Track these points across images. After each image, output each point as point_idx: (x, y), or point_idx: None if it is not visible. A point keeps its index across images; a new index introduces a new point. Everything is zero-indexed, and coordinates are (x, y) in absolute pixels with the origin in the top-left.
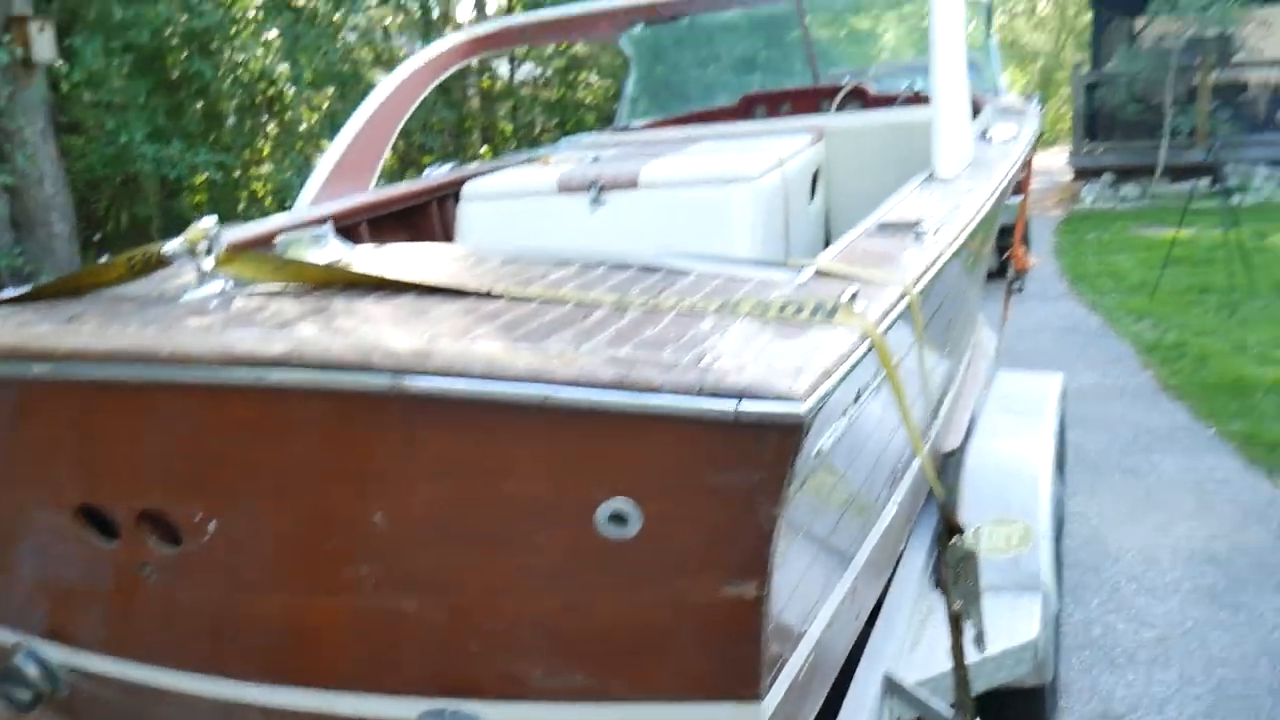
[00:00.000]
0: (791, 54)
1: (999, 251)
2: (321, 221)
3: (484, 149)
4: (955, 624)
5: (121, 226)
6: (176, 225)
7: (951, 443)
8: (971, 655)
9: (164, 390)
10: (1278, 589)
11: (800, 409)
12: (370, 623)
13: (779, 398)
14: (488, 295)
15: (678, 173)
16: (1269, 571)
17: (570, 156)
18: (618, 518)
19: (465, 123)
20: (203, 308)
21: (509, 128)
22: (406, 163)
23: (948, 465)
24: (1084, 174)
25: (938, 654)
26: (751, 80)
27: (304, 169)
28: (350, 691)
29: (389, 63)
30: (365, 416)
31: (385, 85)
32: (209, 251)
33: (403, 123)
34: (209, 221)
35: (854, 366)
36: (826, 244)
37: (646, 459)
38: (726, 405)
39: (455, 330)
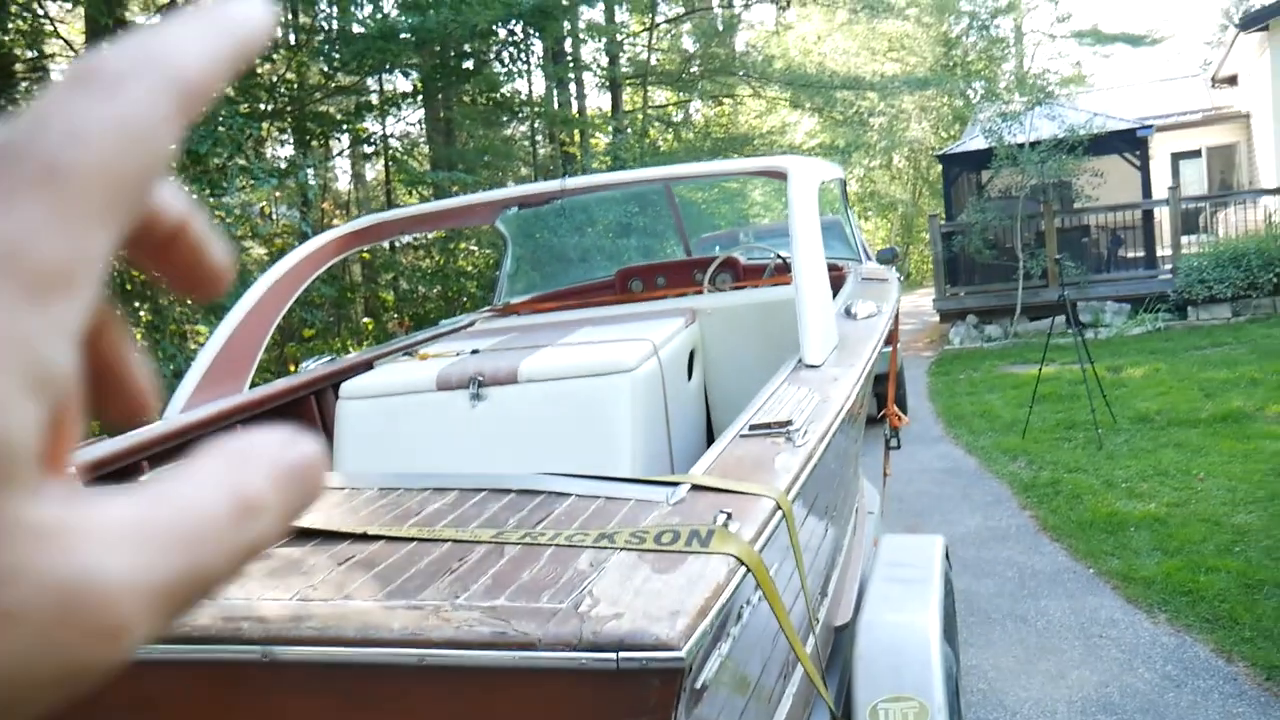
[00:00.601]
0: (664, 216)
1: (875, 399)
2: (196, 430)
3: (366, 320)
4: None
5: None
6: None
7: (842, 616)
8: None
9: None
10: None
11: (680, 654)
12: None
13: (657, 647)
14: (364, 537)
15: (556, 366)
16: (1159, 714)
17: (448, 349)
18: None
19: (347, 294)
20: None
21: (390, 298)
22: (286, 335)
23: (840, 641)
24: (949, 316)
25: None
26: (628, 243)
27: (176, 357)
28: None
29: (266, 237)
30: (233, 687)
31: (261, 283)
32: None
33: (277, 321)
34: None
35: (732, 594)
36: (708, 417)
37: (530, 714)
38: (607, 658)
39: (329, 585)
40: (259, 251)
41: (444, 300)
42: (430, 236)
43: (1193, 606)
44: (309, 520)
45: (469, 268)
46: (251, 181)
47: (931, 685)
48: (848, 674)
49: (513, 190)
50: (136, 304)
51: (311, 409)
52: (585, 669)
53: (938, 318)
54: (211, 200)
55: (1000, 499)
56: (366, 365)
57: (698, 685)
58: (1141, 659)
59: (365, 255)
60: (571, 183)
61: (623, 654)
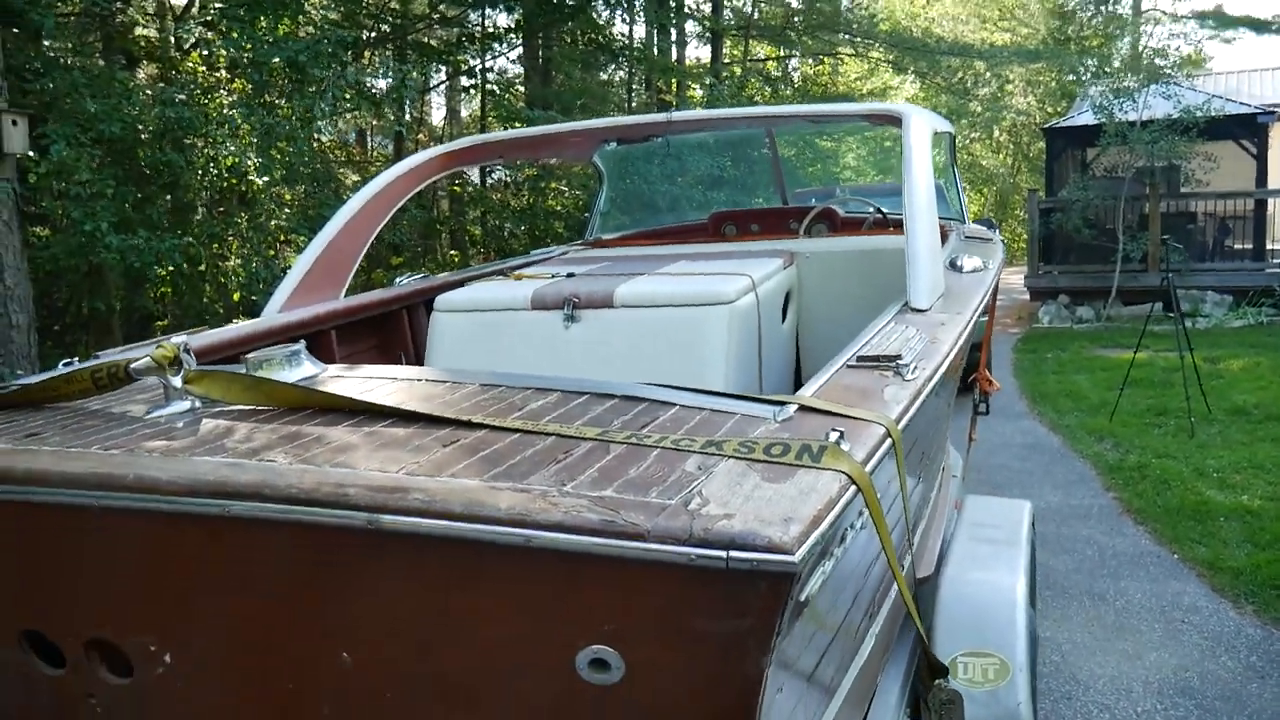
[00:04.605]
0: (757, 171)
1: (964, 370)
2: (292, 331)
3: (452, 252)
4: None
5: (82, 317)
6: (138, 317)
7: (924, 570)
8: None
9: (125, 516)
10: None
11: (793, 560)
12: None
13: (770, 549)
14: (467, 425)
15: (652, 293)
16: (1240, 703)
17: (542, 272)
18: (599, 664)
19: (435, 225)
20: (169, 429)
21: (478, 232)
22: (375, 262)
23: (920, 594)
24: (1039, 294)
25: None
26: (718, 196)
27: (271, 264)
28: None
29: (360, 164)
30: (336, 553)
31: (362, 195)
32: (178, 369)
33: (376, 233)
34: (179, 338)
35: (842, 511)
36: (797, 365)
37: (630, 605)
38: (716, 555)
39: (434, 464)
40: (354, 179)
41: (530, 238)
42: (521, 175)
43: None
44: (410, 404)
45: (558, 207)
46: (348, 100)
47: (1015, 644)
48: (927, 626)
49: (616, 120)
50: (233, 210)
51: (403, 323)
52: (692, 565)
53: (1027, 295)
54: (309, 116)
55: (1083, 478)
56: (459, 284)
57: (801, 598)
58: (1225, 647)
59: (455, 188)
60: (679, 116)
61: (733, 553)
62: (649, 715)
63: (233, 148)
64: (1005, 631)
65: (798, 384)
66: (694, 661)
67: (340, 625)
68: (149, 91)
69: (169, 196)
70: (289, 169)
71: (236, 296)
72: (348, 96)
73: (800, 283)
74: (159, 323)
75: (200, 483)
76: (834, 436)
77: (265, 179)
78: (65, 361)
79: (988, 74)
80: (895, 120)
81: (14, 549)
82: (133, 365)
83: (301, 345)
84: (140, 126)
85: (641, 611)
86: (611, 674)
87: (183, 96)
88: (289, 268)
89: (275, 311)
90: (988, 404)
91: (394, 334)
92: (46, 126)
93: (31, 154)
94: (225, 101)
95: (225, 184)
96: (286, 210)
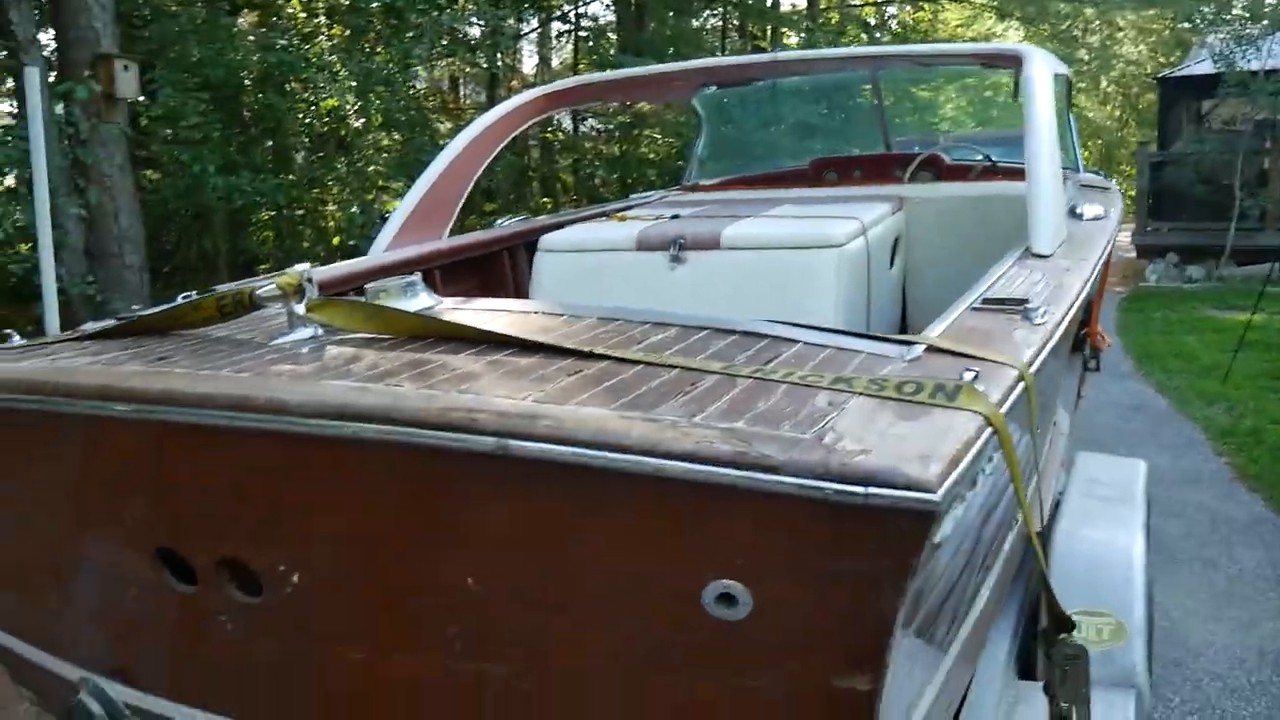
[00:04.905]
0: (855, 119)
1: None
2: (399, 269)
3: (544, 200)
4: None
5: (191, 259)
6: (243, 261)
7: (1034, 526)
8: None
9: (256, 438)
10: None
11: (934, 499)
12: (453, 686)
13: (911, 487)
14: (589, 356)
15: (761, 235)
16: None
17: (645, 214)
18: (726, 598)
19: (526, 172)
20: (295, 354)
21: (570, 180)
22: (468, 208)
23: (1030, 550)
24: (1147, 252)
25: None
26: (814, 146)
27: (369, 209)
28: None
29: (454, 111)
30: (465, 478)
31: (464, 136)
32: (300, 297)
33: (478, 174)
34: (302, 266)
35: (979, 454)
36: (903, 312)
37: (761, 540)
38: (854, 491)
39: (560, 392)
40: (448, 126)
41: (622, 186)
42: (614, 123)
43: None
44: (533, 337)
45: (651, 155)
46: (444, 45)
47: (1133, 605)
48: (1034, 584)
49: (720, 60)
50: (333, 154)
51: (504, 264)
52: (829, 500)
53: (1134, 253)
54: (406, 61)
55: (1192, 442)
56: (559, 227)
57: (935, 540)
58: None
59: (547, 136)
60: (783, 56)
61: (872, 489)
62: (773, 654)
63: (331, 90)
64: (1122, 591)
65: (903, 332)
66: (825, 601)
67: (463, 551)
68: (251, 37)
69: (270, 142)
70: (386, 114)
71: (336, 241)
72: (444, 41)
73: (909, 229)
74: (262, 266)
75: (328, 405)
76: (969, 376)
77: (363, 121)
78: (184, 295)
79: (1097, 21)
80: (1013, 60)
81: (150, 468)
82: (258, 291)
83: (418, 277)
84: (243, 72)
85: (772, 547)
86: (738, 609)
87: (283, 42)
88: (387, 214)
89: (381, 251)
90: (1098, 360)
91: (496, 275)
92: (155, 73)
93: (142, 99)
94: (325, 46)
95: (326, 128)
96: (384, 156)
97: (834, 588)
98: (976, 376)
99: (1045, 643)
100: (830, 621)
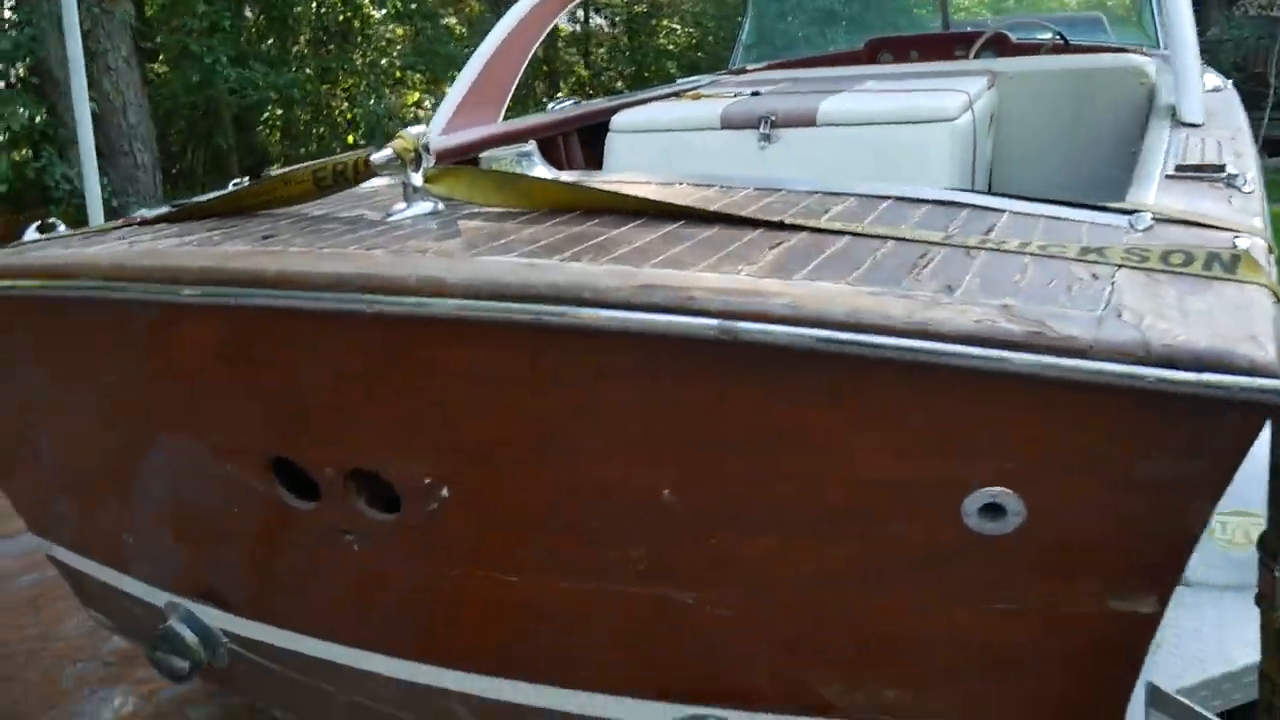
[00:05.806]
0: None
1: None
2: (454, 155)
3: (556, 94)
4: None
5: (198, 159)
6: (255, 161)
7: None
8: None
9: (399, 327)
10: None
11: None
12: (628, 613)
13: (1254, 371)
14: (783, 226)
15: (864, 109)
16: None
17: (720, 91)
18: (991, 509)
19: (541, 66)
20: (425, 230)
21: (585, 72)
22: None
23: None
24: None
25: (1203, 661)
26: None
27: (387, 103)
28: (585, 689)
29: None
30: (670, 370)
31: (514, 13)
32: (416, 166)
33: (532, 52)
34: (418, 128)
35: None
36: (989, 191)
37: (1045, 438)
38: (1183, 379)
39: (774, 267)
40: (453, 21)
41: (638, 79)
42: (624, 14)
43: None
44: (711, 204)
45: (670, 46)
46: None
47: None
48: None
49: None
50: (349, 51)
51: (560, 149)
52: (1149, 389)
53: None
54: None
55: None
56: (616, 110)
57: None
58: None
59: (558, 28)
60: None
61: (1207, 375)
62: (1039, 573)
63: None
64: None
65: None
66: (1116, 510)
67: (664, 458)
68: None
69: (276, 37)
70: (402, 2)
71: (350, 139)
72: None
73: (1000, 105)
74: (274, 166)
75: (499, 285)
76: (1244, 245)
77: (384, 11)
78: (235, 182)
79: None
80: None
81: (264, 364)
82: (373, 157)
83: (533, 146)
84: None
85: (1059, 447)
86: (1005, 522)
87: None
88: (407, 106)
89: (437, 134)
90: None
91: (554, 159)
92: None
93: None
94: None
95: (341, 17)
96: (398, 48)
97: (1132, 493)
98: (1250, 247)
99: (1265, 551)
100: (1120, 534)
